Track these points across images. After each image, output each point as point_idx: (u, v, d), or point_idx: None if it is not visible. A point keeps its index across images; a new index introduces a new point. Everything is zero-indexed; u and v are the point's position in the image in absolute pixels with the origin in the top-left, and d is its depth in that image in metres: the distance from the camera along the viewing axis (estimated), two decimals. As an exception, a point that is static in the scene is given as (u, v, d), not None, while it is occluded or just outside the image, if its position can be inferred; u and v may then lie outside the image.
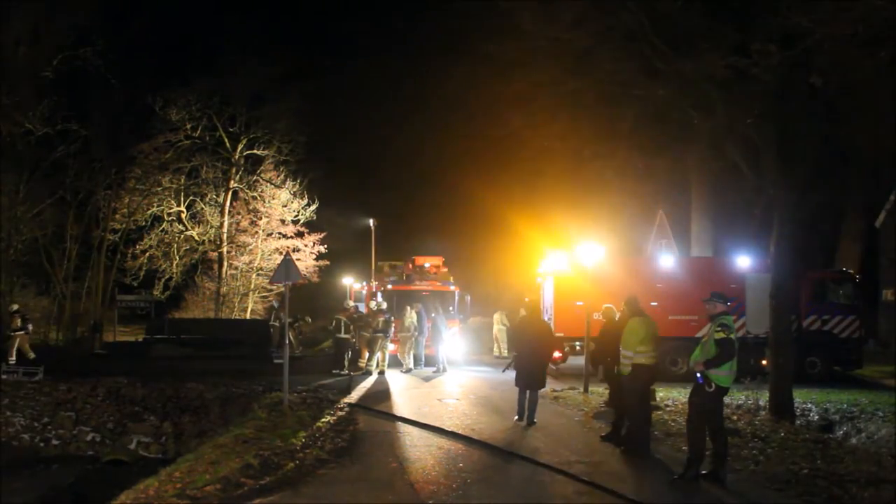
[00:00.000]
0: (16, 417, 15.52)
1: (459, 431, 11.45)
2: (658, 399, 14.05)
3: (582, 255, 17.21)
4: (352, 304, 21.72)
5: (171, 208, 36.16)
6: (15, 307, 21.45)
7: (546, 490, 8.41)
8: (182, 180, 36.12)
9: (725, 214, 26.15)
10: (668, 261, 20.51)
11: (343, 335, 19.73)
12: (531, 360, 12.11)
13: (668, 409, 13.65)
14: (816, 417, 13.81)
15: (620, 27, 13.36)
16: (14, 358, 19.12)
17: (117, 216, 34.70)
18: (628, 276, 18.64)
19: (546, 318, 18.88)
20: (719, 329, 8.33)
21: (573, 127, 18.25)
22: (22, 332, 19.85)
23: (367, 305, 22.46)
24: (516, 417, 12.29)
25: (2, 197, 30.15)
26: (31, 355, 19.53)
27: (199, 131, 35.33)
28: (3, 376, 17.40)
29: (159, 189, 35.44)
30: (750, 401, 14.06)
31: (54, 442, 15.36)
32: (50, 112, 29.79)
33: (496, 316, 26.39)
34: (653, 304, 17.15)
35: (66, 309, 33.65)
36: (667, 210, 30.89)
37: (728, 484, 8.43)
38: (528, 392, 12.14)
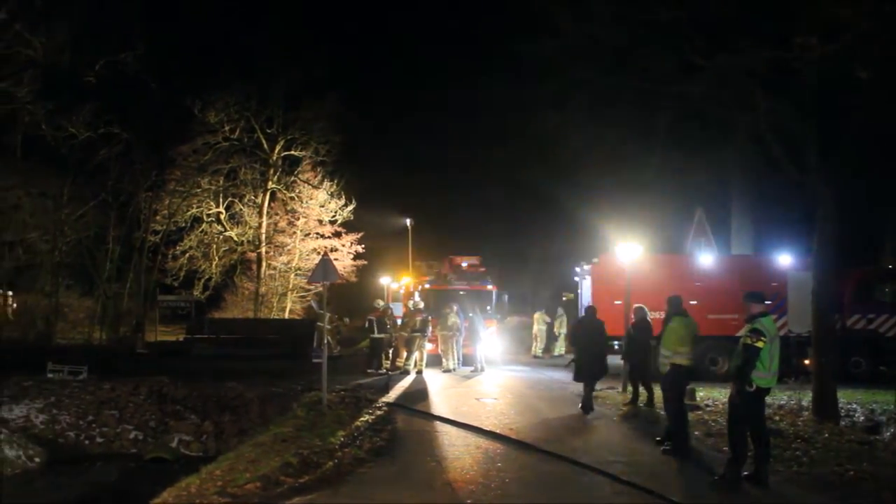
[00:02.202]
0: (62, 415, 15.83)
1: (498, 431, 11.42)
2: (698, 399, 13.89)
3: (620, 254, 17.10)
4: (381, 303, 21.76)
5: (210, 209, 36.62)
6: None
7: (585, 490, 8.35)
8: (221, 182, 36.58)
9: (766, 211, 25.74)
10: (707, 259, 20.25)
11: (377, 335, 19.81)
12: (589, 355, 13.35)
13: (709, 409, 13.47)
14: (862, 418, 13.51)
15: (657, 23, 13.21)
16: None
17: (158, 217, 35.28)
18: (667, 274, 18.45)
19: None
20: (748, 334, 8.21)
21: (610, 125, 18.12)
22: None
23: (405, 305, 22.51)
24: (581, 411, 13.31)
25: (47, 200, 30.83)
26: None
27: (237, 133, 35.74)
28: (49, 375, 17.76)
29: (199, 190, 35.94)
30: (792, 401, 13.83)
31: (98, 440, 15.63)
32: (92, 116, 30.40)
33: (536, 315, 26.35)
34: (692, 302, 16.92)
35: (108, 309, 34.31)
36: (706, 207, 30.49)
37: (770, 485, 8.29)
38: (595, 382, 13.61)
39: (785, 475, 8.83)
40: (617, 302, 17.42)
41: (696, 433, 11.01)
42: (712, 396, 14.61)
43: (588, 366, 13.50)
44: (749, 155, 21.45)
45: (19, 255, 31.83)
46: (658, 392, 14.25)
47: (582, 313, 19.54)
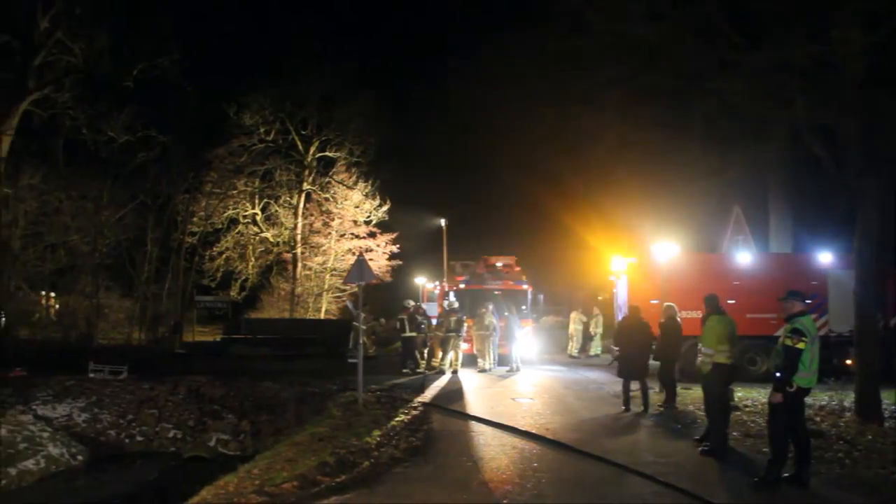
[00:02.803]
0: (103, 414, 16.10)
1: (533, 431, 11.38)
2: (737, 399, 13.71)
3: (656, 253, 16.96)
4: (412, 302, 21.79)
5: (246, 211, 37.01)
6: None
7: (622, 490, 8.29)
8: (256, 183, 36.94)
9: (805, 208, 25.32)
10: (745, 258, 20.00)
11: (408, 333, 19.85)
12: (633, 354, 13.53)
13: (748, 409, 13.29)
14: (906, 420, 13.27)
15: (692, 20, 13.05)
16: None
17: (195, 219, 35.73)
18: (704, 273, 18.24)
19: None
20: (789, 335, 8.07)
21: (644, 123, 17.96)
22: None
23: (440, 305, 22.50)
24: (623, 408, 13.44)
25: (88, 203, 31.41)
26: None
27: (272, 135, 36.09)
28: (91, 374, 18.09)
29: (235, 192, 36.33)
30: (834, 402, 13.61)
31: (138, 438, 15.86)
32: (131, 120, 30.92)
33: (573, 315, 26.23)
34: (730, 301, 16.70)
35: (147, 310, 34.80)
36: (743, 205, 30.12)
37: (811, 487, 8.17)
38: (631, 382, 13.60)
39: (827, 477, 8.69)
40: (653, 301, 17.27)
41: (735, 434, 10.87)
42: (751, 397, 14.42)
43: (630, 363, 13.56)
44: (787, 151, 21.13)
45: (61, 257, 32.43)
46: (682, 392, 14.19)
47: (622, 312, 19.45)
